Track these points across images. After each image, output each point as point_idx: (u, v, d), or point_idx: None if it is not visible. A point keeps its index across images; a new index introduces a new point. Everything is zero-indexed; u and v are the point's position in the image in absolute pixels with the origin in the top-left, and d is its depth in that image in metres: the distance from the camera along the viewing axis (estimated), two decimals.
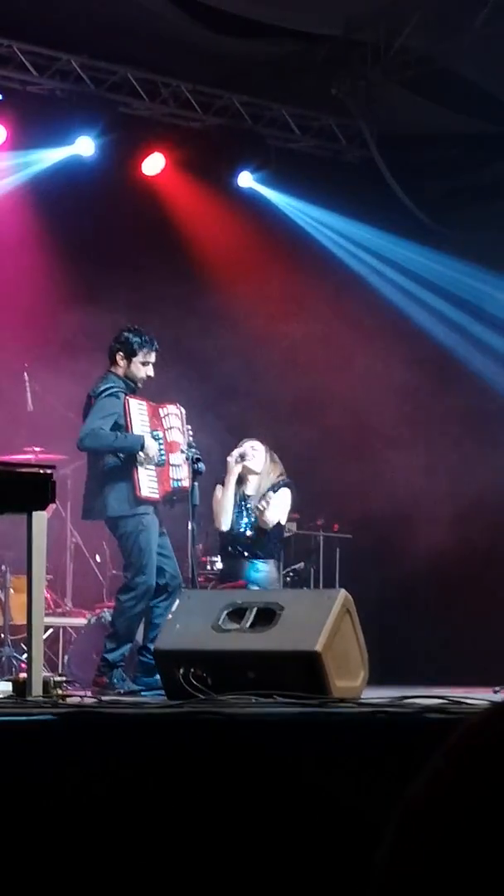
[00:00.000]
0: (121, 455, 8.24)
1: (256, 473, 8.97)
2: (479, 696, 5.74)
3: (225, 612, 6.42)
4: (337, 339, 9.46)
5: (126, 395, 8.34)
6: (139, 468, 8.18)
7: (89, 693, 7.34)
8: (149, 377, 8.46)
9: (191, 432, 8.56)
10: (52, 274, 10.84)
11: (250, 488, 9.00)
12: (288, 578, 10.87)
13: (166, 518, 8.47)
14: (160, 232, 11.46)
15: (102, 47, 10.92)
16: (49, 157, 11.13)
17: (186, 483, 8.27)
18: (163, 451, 8.31)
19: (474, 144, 11.66)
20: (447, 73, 11.02)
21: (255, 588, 8.59)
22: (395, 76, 11.19)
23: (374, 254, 11.93)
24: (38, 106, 11.05)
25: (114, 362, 8.46)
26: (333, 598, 6.34)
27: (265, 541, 8.96)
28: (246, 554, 8.96)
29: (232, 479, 8.92)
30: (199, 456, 8.32)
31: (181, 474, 8.31)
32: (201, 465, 8.32)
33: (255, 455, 8.96)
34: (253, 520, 8.92)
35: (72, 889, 3.88)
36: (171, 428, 8.40)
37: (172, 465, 8.31)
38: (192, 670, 6.14)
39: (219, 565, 10.71)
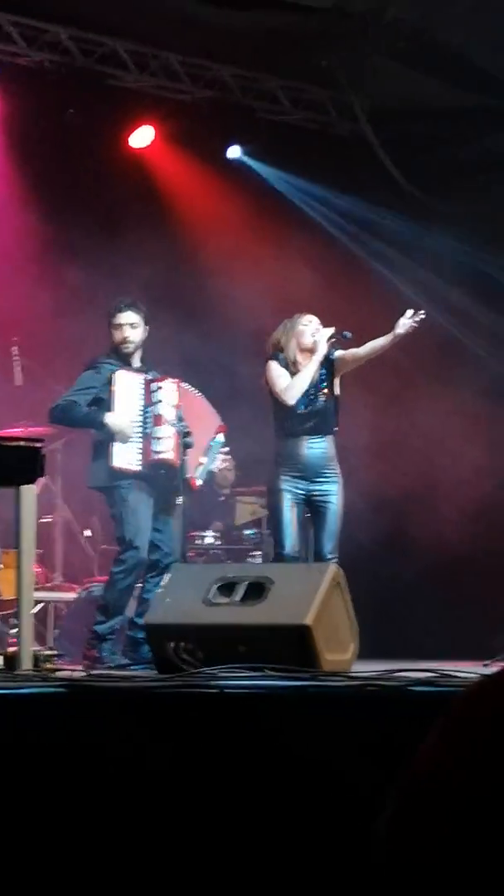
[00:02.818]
0: (97, 429, 8.33)
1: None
2: (470, 670, 5.74)
3: (215, 586, 6.42)
4: (327, 312, 9.38)
5: (116, 369, 8.36)
6: (114, 441, 8.25)
7: (79, 667, 7.34)
8: (126, 339, 8.46)
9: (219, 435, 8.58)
10: (39, 246, 10.79)
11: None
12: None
13: (164, 493, 8.45)
14: (149, 204, 11.42)
15: (91, 19, 10.85)
16: (38, 129, 11.07)
17: (169, 455, 8.27)
18: (147, 425, 8.33)
19: (465, 118, 11.62)
20: (438, 45, 10.97)
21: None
22: (387, 49, 11.14)
23: (365, 227, 11.89)
24: (27, 78, 10.99)
25: (109, 336, 8.55)
26: (323, 571, 6.35)
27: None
28: (303, 430, 8.45)
29: (318, 358, 8.48)
30: (188, 430, 8.32)
31: (163, 447, 8.31)
32: (190, 440, 8.32)
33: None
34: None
35: (64, 862, 3.88)
36: (159, 402, 8.41)
37: (155, 438, 8.33)
38: (183, 644, 6.14)
39: (209, 539, 10.72)
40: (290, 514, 8.26)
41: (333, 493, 8.34)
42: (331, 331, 8.45)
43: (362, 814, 1.50)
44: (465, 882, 1.21)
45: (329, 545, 8.24)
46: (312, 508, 8.34)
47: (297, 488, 8.28)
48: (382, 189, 11.72)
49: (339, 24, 10.98)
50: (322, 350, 8.40)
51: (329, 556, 8.14)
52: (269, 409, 8.62)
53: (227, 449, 9.33)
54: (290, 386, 8.35)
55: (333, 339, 8.45)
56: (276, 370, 8.41)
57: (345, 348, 8.52)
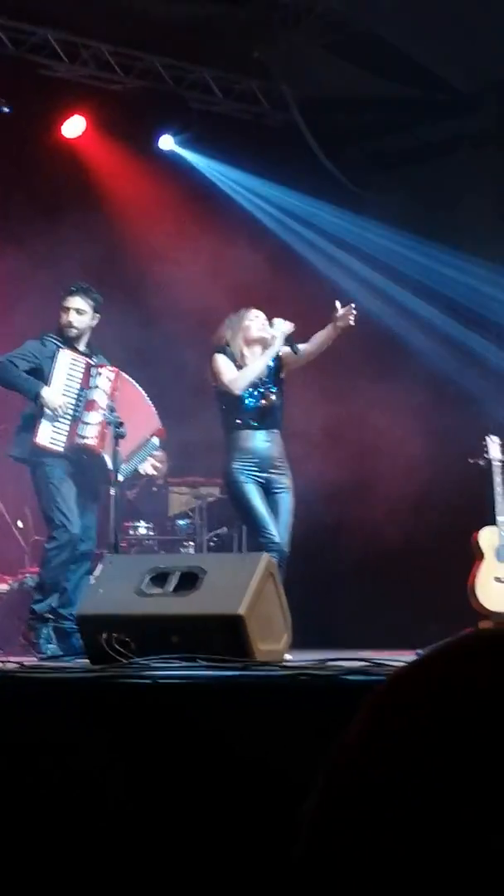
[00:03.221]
0: (29, 398, 8.33)
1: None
2: (402, 659, 5.77)
3: (148, 577, 6.42)
4: (263, 301, 9.39)
5: (60, 347, 8.42)
6: (42, 418, 8.26)
7: (12, 659, 7.32)
8: (71, 322, 8.52)
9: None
10: None
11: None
12: (212, 543, 10.89)
13: (88, 481, 8.44)
14: (83, 194, 11.38)
15: (22, 8, 10.80)
16: None
17: (92, 442, 8.29)
18: (79, 409, 8.35)
19: (396, 108, 11.68)
20: (369, 36, 11.00)
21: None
22: (317, 39, 11.17)
23: (297, 217, 11.92)
24: None
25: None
26: (256, 561, 6.36)
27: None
28: (255, 424, 8.62)
29: (271, 352, 8.45)
30: (120, 421, 8.31)
31: (89, 433, 8.33)
32: (123, 430, 8.31)
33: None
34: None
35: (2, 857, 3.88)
36: (95, 387, 8.43)
37: (83, 423, 8.35)
38: (116, 635, 6.13)
39: (142, 530, 10.71)
40: (259, 501, 8.27)
41: (287, 486, 8.39)
42: (290, 326, 8.45)
43: (294, 804, 1.51)
44: (387, 874, 1.22)
45: (285, 537, 8.27)
46: (269, 500, 8.36)
47: (256, 477, 8.30)
48: (314, 179, 11.75)
49: (270, 15, 11.00)
50: (278, 344, 8.41)
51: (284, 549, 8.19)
52: (209, 400, 8.62)
53: (160, 454, 9.26)
54: (240, 377, 8.35)
55: (289, 336, 8.45)
56: (222, 362, 8.41)
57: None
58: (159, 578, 6.41)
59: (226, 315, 8.83)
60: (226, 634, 6.01)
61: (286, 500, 8.38)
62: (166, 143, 11.88)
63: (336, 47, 11.22)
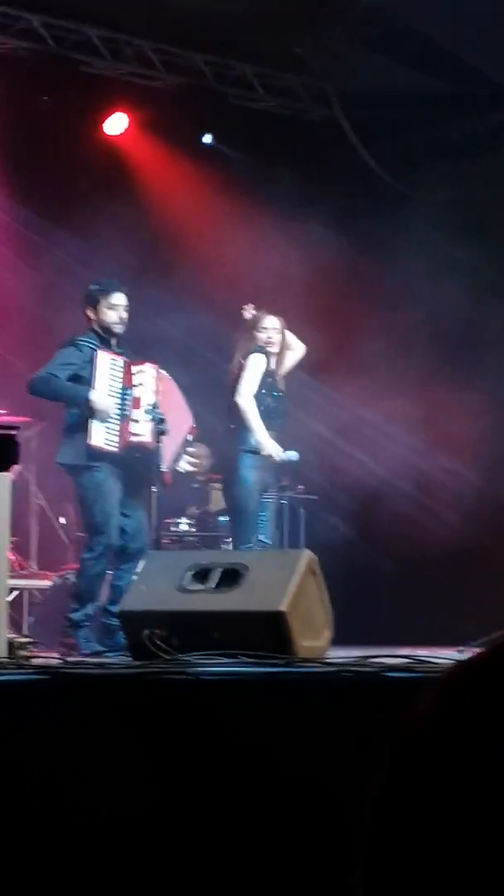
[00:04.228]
0: (78, 405, 8.26)
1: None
2: (444, 655, 5.76)
3: (190, 573, 6.42)
4: (301, 297, 9.41)
5: (97, 349, 8.34)
6: (93, 420, 8.20)
7: (55, 654, 7.35)
8: (122, 319, 8.47)
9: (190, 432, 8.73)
10: (12, 234, 10.78)
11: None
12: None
13: (135, 478, 8.45)
14: (124, 191, 11.40)
15: (65, 6, 10.83)
16: (11, 116, 11.03)
17: (147, 440, 8.27)
18: (126, 407, 8.32)
19: (437, 104, 11.63)
20: (411, 31, 10.97)
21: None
22: (358, 34, 11.14)
23: (337, 213, 11.88)
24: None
25: (87, 319, 8.50)
26: (298, 558, 6.36)
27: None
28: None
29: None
30: (162, 417, 8.31)
31: (141, 430, 8.30)
32: (166, 427, 8.31)
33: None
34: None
35: (33, 853, 3.89)
36: (139, 385, 8.40)
37: (133, 421, 8.32)
38: (158, 631, 6.14)
39: (183, 527, 10.73)
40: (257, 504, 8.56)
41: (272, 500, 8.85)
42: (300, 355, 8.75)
43: (336, 799, 1.52)
44: (456, 872, 1.22)
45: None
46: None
47: (263, 479, 8.58)
48: (355, 175, 11.73)
49: (312, 11, 10.99)
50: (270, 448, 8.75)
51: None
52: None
53: (192, 450, 9.30)
54: (248, 401, 8.70)
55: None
56: (256, 366, 8.65)
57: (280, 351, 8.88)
58: (201, 575, 6.42)
59: (268, 308, 8.90)
60: (267, 631, 6.01)
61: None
62: (207, 139, 11.88)
63: (376, 42, 11.20)
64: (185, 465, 8.89)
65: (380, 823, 1.28)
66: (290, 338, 9.07)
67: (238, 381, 8.79)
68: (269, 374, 8.88)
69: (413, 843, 1.24)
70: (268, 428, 8.74)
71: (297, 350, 9.12)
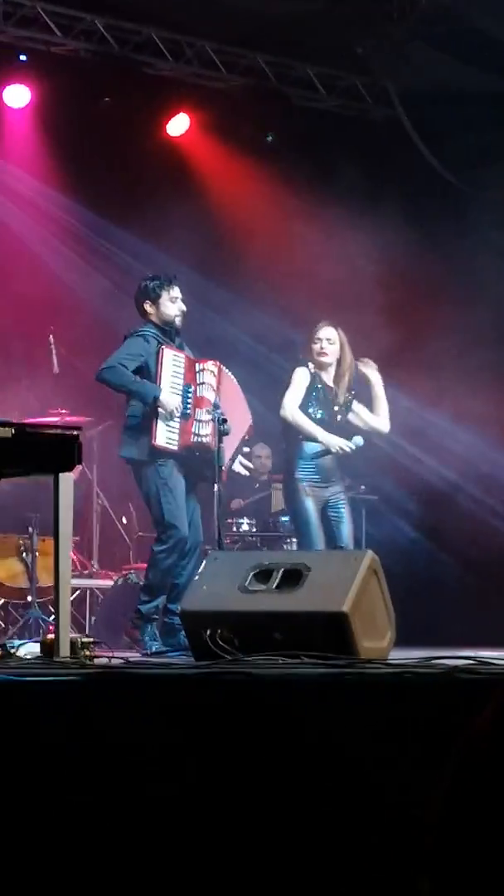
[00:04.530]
0: (145, 403, 8.23)
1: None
2: None
3: (251, 573, 6.42)
4: (364, 298, 9.40)
5: (161, 344, 8.33)
6: (158, 419, 8.17)
7: (117, 654, 7.37)
8: (182, 312, 8.46)
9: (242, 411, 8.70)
10: (77, 236, 10.83)
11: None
12: None
13: (194, 477, 8.45)
14: (186, 192, 11.42)
15: (126, 7, 10.87)
16: (73, 118, 11.09)
17: (209, 440, 8.25)
18: (189, 405, 8.30)
19: (500, 103, 11.57)
20: (472, 30, 10.93)
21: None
22: (420, 34, 11.11)
23: (401, 214, 11.85)
24: (61, 67, 11.01)
25: (145, 313, 8.47)
26: (360, 559, 6.34)
27: None
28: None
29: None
30: (224, 417, 8.30)
31: (205, 430, 8.27)
32: (227, 427, 8.30)
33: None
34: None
35: (94, 849, 3.90)
36: (202, 384, 8.38)
37: (197, 421, 8.29)
38: (219, 631, 6.14)
39: (245, 527, 10.73)
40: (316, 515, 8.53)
41: (344, 498, 8.79)
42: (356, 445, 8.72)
43: (400, 800, 1.51)
44: None
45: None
46: (329, 511, 8.69)
47: (314, 489, 8.52)
48: (418, 175, 11.69)
49: (372, 10, 10.96)
50: (329, 442, 8.61)
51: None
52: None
53: (247, 450, 9.28)
54: (291, 413, 8.61)
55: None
56: (298, 378, 8.60)
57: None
58: (263, 575, 6.41)
59: (327, 314, 8.85)
60: (329, 632, 6.00)
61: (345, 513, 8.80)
62: (269, 139, 11.88)
63: (438, 41, 11.16)
64: (239, 467, 8.87)
65: (446, 825, 1.27)
66: (371, 374, 8.88)
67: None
68: (318, 389, 8.69)
69: (479, 844, 1.23)
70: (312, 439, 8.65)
71: (374, 384, 8.88)
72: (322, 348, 8.66)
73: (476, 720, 1.32)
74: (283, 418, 8.63)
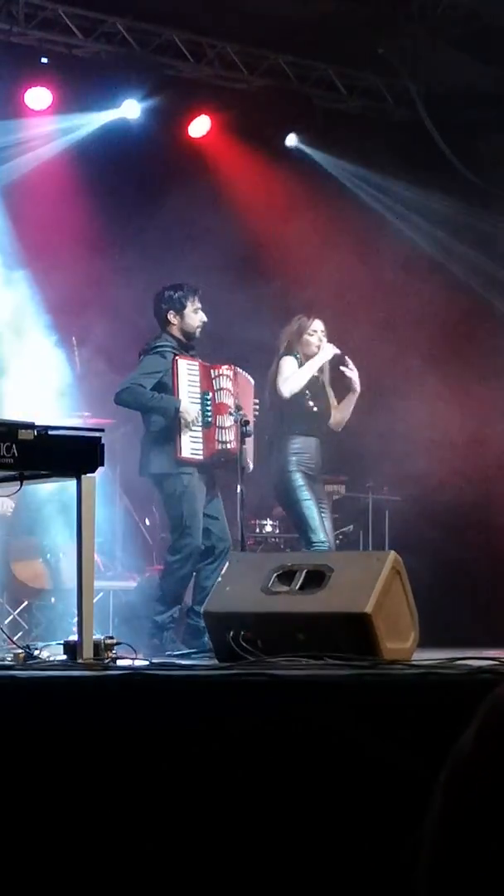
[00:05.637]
0: (167, 417, 8.23)
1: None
2: None
3: (274, 575, 6.42)
4: (383, 298, 9.40)
5: (176, 355, 8.33)
6: (181, 430, 8.18)
7: (140, 655, 7.37)
8: (203, 323, 8.48)
9: (257, 405, 8.67)
10: (99, 240, 10.83)
11: None
12: (337, 541, 10.87)
13: (216, 480, 8.45)
14: (208, 195, 11.42)
15: (147, 9, 10.88)
16: (94, 120, 11.12)
17: (233, 446, 8.25)
18: (209, 413, 8.30)
19: None
20: (494, 30, 10.91)
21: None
22: (442, 34, 11.09)
23: (424, 215, 11.84)
24: (83, 69, 11.03)
25: (167, 323, 8.46)
26: (383, 559, 6.33)
27: None
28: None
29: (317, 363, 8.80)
30: (246, 419, 8.30)
31: (228, 437, 8.28)
32: (249, 429, 8.30)
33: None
34: None
35: (113, 848, 3.90)
36: (220, 389, 8.38)
37: (219, 428, 8.29)
38: (243, 633, 6.14)
39: (268, 528, 10.73)
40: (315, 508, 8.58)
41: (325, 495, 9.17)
42: (334, 352, 8.75)
43: (423, 802, 1.50)
44: None
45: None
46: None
47: (307, 479, 8.56)
48: (439, 175, 11.67)
49: (394, 10, 10.95)
50: (322, 357, 8.71)
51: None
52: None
53: None
54: (288, 378, 8.61)
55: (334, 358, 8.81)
56: (291, 366, 8.61)
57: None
58: (286, 576, 6.41)
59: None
60: (353, 633, 6.00)
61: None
62: (291, 140, 11.88)
63: (460, 41, 11.14)
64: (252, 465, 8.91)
65: (439, 840, 1.27)
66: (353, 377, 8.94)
67: (274, 385, 8.74)
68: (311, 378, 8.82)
69: (473, 862, 1.23)
70: (306, 433, 8.68)
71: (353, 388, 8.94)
72: (319, 340, 8.76)
73: (462, 737, 1.32)
74: (283, 396, 8.62)
